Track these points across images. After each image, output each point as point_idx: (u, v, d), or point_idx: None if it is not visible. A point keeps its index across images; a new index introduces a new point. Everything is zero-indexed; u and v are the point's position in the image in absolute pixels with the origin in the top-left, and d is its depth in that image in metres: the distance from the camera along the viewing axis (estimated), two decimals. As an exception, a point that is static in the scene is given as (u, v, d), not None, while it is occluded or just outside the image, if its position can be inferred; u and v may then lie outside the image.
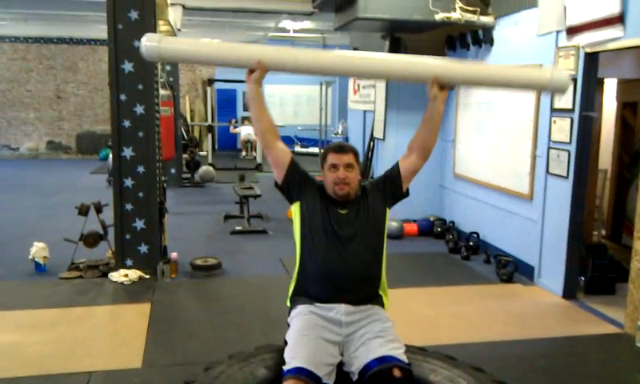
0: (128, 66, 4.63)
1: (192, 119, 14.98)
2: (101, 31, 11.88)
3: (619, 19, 3.89)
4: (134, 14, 4.59)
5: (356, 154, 2.46)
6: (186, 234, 6.34)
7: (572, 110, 4.46)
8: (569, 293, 4.57)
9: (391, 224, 5.86)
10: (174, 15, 8.34)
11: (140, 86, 4.67)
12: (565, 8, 4.41)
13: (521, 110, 5.18)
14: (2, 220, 6.94)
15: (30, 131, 14.92)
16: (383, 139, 6.97)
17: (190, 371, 3.13)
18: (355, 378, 2.19)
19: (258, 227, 6.73)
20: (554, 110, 4.69)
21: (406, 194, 2.51)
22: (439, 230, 6.53)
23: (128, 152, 4.72)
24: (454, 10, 5.54)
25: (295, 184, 2.45)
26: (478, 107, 6.03)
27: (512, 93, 5.34)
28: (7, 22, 12.18)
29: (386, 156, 6.83)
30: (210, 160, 11.75)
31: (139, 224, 4.81)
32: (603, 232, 6.25)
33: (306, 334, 2.23)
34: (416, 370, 2.25)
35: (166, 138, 6.76)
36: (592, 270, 4.65)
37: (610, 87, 5.86)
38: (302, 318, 2.31)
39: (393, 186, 2.47)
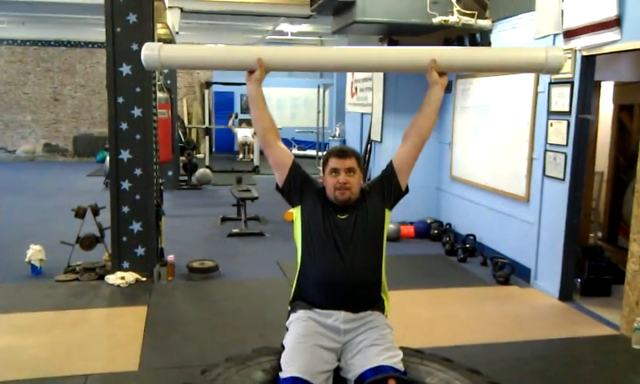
0: (126, 69, 4.63)
1: (189, 122, 14.98)
2: (98, 34, 11.88)
3: (616, 22, 3.91)
4: (132, 17, 4.59)
5: (358, 158, 2.44)
6: (183, 237, 6.33)
7: (569, 113, 4.47)
8: (565, 295, 4.58)
9: (388, 226, 5.85)
10: (172, 18, 8.35)
11: (137, 89, 4.67)
12: (562, 11, 4.43)
13: (518, 112, 5.19)
14: (-2, 222, 6.93)
15: (26, 134, 14.89)
16: (380, 142, 6.97)
17: (187, 374, 3.12)
18: (351, 385, 2.18)
19: (255, 230, 6.72)
20: (550, 113, 4.71)
21: (406, 191, 2.47)
22: (436, 232, 6.54)
23: (125, 154, 4.72)
24: (452, 13, 5.56)
25: (296, 187, 2.43)
26: (474, 110, 6.05)
27: (509, 94, 5.36)
28: (5, 25, 12.15)
29: (384, 158, 6.82)
30: (207, 162, 11.76)
31: (136, 226, 4.80)
32: (599, 234, 6.26)
33: (303, 341, 2.21)
34: (412, 372, 2.25)
35: (163, 140, 6.76)
36: (588, 272, 4.67)
37: (607, 90, 5.88)
38: (300, 324, 2.30)
39: (391, 185, 2.43)
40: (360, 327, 2.29)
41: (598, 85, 5.09)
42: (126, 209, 4.77)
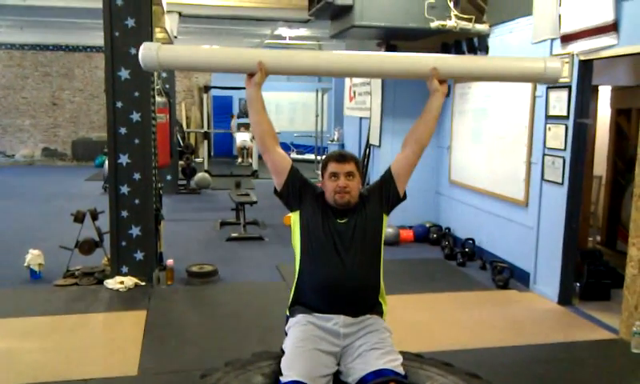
0: (124, 74, 4.63)
1: (188, 126, 14.98)
2: (97, 38, 11.87)
3: (613, 27, 3.92)
4: (130, 22, 4.60)
5: (357, 162, 2.45)
6: (182, 241, 6.33)
7: (567, 117, 4.49)
8: (564, 299, 4.58)
9: (387, 230, 5.84)
10: (171, 22, 8.36)
11: (136, 93, 4.67)
12: (559, 16, 4.44)
13: (516, 116, 5.21)
14: (-4, 227, 6.92)
15: (25, 138, 14.88)
16: (379, 146, 6.98)
17: (186, 379, 3.14)
18: (351, 390, 2.18)
19: (254, 234, 6.73)
20: (548, 117, 4.72)
21: (404, 198, 2.47)
22: (435, 236, 6.54)
23: (124, 159, 4.72)
24: (449, 17, 5.57)
25: (295, 192, 2.42)
26: (473, 114, 6.06)
27: (507, 99, 5.37)
28: (3, 29, 12.17)
29: (382, 163, 6.84)
30: (205, 167, 11.75)
31: (135, 231, 4.80)
32: (598, 238, 6.27)
33: (303, 345, 2.21)
34: (412, 376, 2.25)
35: (162, 144, 6.76)
36: (587, 276, 4.67)
37: (605, 94, 5.90)
38: (299, 328, 2.30)
39: (389, 191, 2.44)
40: (359, 331, 2.29)
41: (595, 89, 5.10)
42: (125, 213, 4.77)
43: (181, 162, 10.29)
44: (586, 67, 4.36)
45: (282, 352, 2.27)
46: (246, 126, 13.77)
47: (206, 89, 12.84)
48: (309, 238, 2.38)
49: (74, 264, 5.03)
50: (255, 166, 12.25)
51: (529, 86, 4.96)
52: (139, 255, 4.82)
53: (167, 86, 8.99)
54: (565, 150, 4.53)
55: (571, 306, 4.55)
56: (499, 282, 5.03)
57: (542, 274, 4.86)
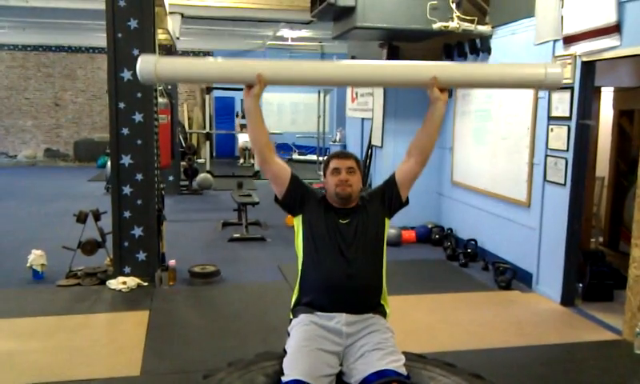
0: (127, 74, 4.64)
1: (190, 127, 15.00)
2: (99, 39, 11.91)
3: (616, 28, 3.92)
4: (133, 23, 4.61)
5: (357, 160, 2.50)
6: (184, 242, 6.34)
7: (569, 118, 4.48)
8: (567, 300, 4.58)
9: (389, 231, 5.85)
10: (173, 24, 8.39)
11: (138, 94, 4.68)
12: (562, 17, 4.44)
13: (518, 117, 5.20)
14: (-1, 228, 6.94)
15: (27, 139, 14.92)
16: (381, 147, 6.98)
17: (189, 379, 3.15)
18: (354, 390, 2.19)
19: (256, 234, 6.73)
20: (551, 118, 4.72)
21: (406, 203, 2.51)
22: (437, 237, 6.54)
23: (126, 159, 4.73)
24: (452, 19, 5.57)
25: (297, 198, 2.45)
26: (475, 115, 6.06)
27: (510, 100, 5.37)
28: (6, 30, 12.21)
29: (384, 164, 6.84)
30: (207, 167, 11.76)
31: (137, 231, 4.81)
32: (601, 239, 6.26)
33: (306, 345, 2.22)
34: (415, 377, 2.25)
35: (164, 145, 6.77)
36: (590, 277, 4.66)
37: (607, 95, 5.89)
38: (302, 328, 2.31)
39: (392, 196, 2.47)
40: (362, 330, 2.30)
41: (598, 90, 5.10)
42: (127, 214, 4.77)
43: (183, 163, 10.30)
44: (588, 68, 4.36)
45: (285, 352, 2.28)
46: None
47: (208, 90, 12.84)
48: (312, 237, 2.40)
49: (76, 264, 5.03)
50: (257, 167, 12.25)
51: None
52: (141, 256, 4.83)
53: (169, 87, 8.99)
54: (567, 151, 4.52)
55: (574, 307, 4.54)
56: (501, 283, 5.03)
57: (545, 274, 4.86)
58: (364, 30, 5.88)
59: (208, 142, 12.55)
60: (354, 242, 2.37)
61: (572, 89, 4.43)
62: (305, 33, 11.84)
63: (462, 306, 4.61)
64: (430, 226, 6.73)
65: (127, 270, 4.82)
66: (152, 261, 4.87)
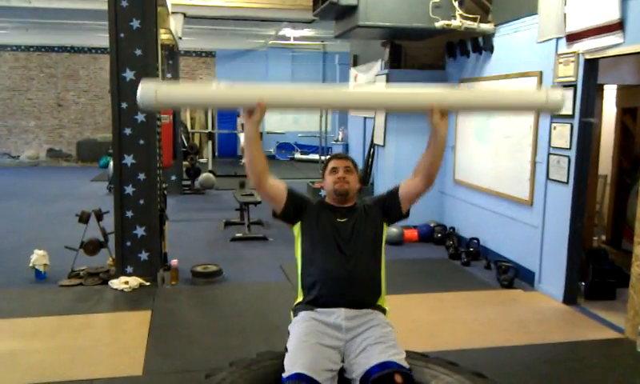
0: (129, 74, 4.64)
1: (192, 127, 15.01)
2: (102, 40, 11.96)
3: (619, 26, 3.91)
4: (135, 23, 4.61)
5: (354, 163, 2.61)
6: (187, 241, 6.34)
7: (572, 116, 4.47)
8: (569, 298, 4.57)
9: (391, 230, 5.85)
10: (175, 24, 8.39)
11: (141, 94, 4.68)
12: (565, 15, 4.43)
13: (521, 116, 5.18)
14: (2, 228, 6.94)
15: (30, 139, 14.96)
16: (383, 146, 6.97)
17: (191, 378, 3.15)
18: (357, 384, 2.20)
19: (258, 234, 6.73)
20: (553, 116, 4.70)
21: (406, 216, 2.56)
22: (439, 235, 6.53)
23: (129, 159, 4.73)
24: (454, 17, 5.56)
25: (296, 210, 2.52)
26: (478, 113, 6.03)
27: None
28: (8, 31, 12.24)
29: (386, 163, 6.83)
30: (210, 167, 11.76)
31: (140, 231, 4.81)
32: (603, 237, 6.25)
33: (306, 340, 2.25)
34: (418, 375, 2.25)
35: (166, 145, 6.78)
36: (592, 276, 4.65)
37: (610, 93, 5.88)
38: (302, 325, 2.34)
39: (391, 206, 2.53)
40: (361, 325, 2.33)
41: (601, 88, 5.09)
42: (129, 213, 4.78)
43: (185, 163, 10.30)
44: (591, 66, 4.34)
45: (286, 351, 2.28)
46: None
47: (211, 90, 12.86)
48: (310, 237, 2.47)
49: (78, 264, 5.04)
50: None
51: (534, 84, 4.94)
52: (144, 255, 4.83)
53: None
54: (570, 149, 4.51)
55: (576, 306, 4.53)
56: (504, 282, 5.02)
57: (547, 273, 4.84)
58: (366, 29, 5.88)
59: (210, 142, 12.55)
60: (352, 239, 2.43)
61: (575, 86, 4.41)
62: (307, 32, 11.84)
63: (464, 304, 4.61)
64: (432, 225, 6.72)
65: (129, 269, 4.82)
66: (154, 260, 4.88)
